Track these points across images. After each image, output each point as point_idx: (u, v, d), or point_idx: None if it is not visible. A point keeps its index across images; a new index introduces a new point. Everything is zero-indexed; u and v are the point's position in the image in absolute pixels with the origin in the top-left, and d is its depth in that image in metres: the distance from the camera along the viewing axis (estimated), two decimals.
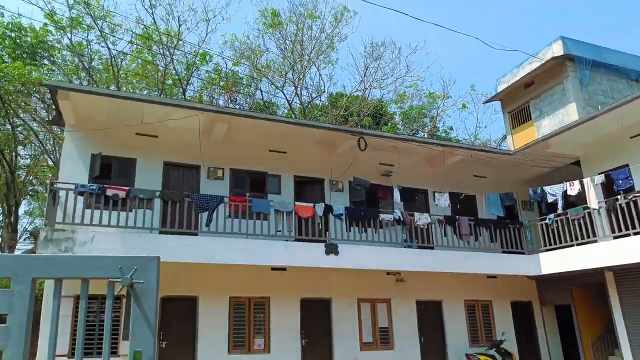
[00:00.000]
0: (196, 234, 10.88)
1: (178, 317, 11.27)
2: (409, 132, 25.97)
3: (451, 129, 28.94)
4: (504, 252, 13.65)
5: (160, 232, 10.60)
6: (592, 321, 13.95)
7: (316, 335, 12.28)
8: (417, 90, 25.93)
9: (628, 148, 12.55)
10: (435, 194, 13.21)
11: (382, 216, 12.28)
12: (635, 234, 10.83)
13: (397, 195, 12.62)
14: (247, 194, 11.63)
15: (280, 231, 11.37)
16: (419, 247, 12.88)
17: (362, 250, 11.84)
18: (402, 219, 12.39)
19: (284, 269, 12.14)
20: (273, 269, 12.05)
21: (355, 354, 12.41)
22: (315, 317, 12.45)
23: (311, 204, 11.87)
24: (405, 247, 12.55)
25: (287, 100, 24.90)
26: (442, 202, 13.00)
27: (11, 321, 1.81)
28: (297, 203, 11.85)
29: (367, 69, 24.97)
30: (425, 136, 25.57)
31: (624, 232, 11.01)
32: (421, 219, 12.52)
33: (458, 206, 13.45)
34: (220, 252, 10.44)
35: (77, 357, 1.92)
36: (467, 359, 12.56)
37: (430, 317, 13.69)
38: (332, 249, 11.45)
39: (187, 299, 11.46)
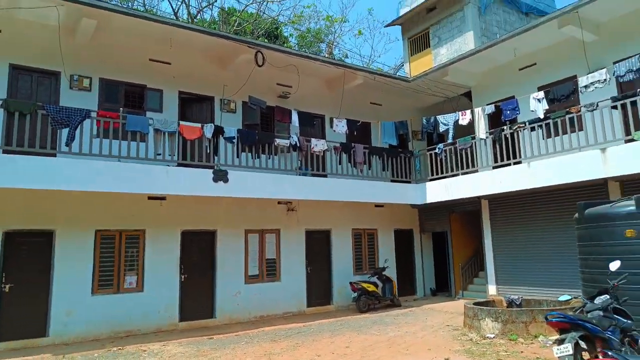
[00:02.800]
0: (54, 155, 8.97)
1: (29, 253, 9.47)
2: None
3: (346, 56, 28.39)
4: (392, 181, 13.82)
5: (4, 152, 8.52)
6: (463, 247, 15.08)
7: (197, 270, 11.32)
8: (314, 11, 24.63)
9: (516, 80, 13.06)
10: (334, 119, 12.60)
11: (277, 141, 11.39)
12: (515, 163, 11.46)
13: (295, 118, 11.74)
14: (121, 109, 9.81)
15: (160, 154, 9.92)
16: (313, 175, 12.38)
17: (254, 177, 10.93)
18: (298, 145, 11.63)
19: (163, 197, 10.83)
20: (150, 197, 10.67)
21: (239, 287, 11.81)
22: (198, 250, 11.46)
23: (198, 125, 10.50)
24: (299, 175, 11.93)
25: (173, 9, 22.14)
26: (339, 129, 12.47)
27: None
28: (182, 123, 10.39)
29: None
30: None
31: (505, 161, 11.58)
32: (318, 145, 11.89)
33: (355, 133, 13.08)
34: (85, 177, 8.74)
35: None
36: (351, 286, 12.73)
37: (318, 246, 13.54)
38: (221, 176, 10.37)
39: (41, 233, 9.64)
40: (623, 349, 5.04)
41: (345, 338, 9.11)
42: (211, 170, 10.30)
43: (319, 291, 13.25)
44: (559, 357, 4.77)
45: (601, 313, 5.25)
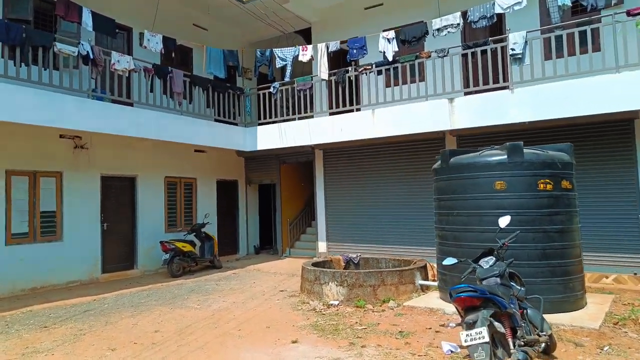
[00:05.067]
0: None
1: None
2: None
3: None
4: (216, 120, 11.56)
5: None
6: (293, 202, 13.83)
7: None
8: None
9: (362, 20, 11.83)
10: (146, 32, 9.53)
11: (59, 46, 7.95)
12: (357, 110, 10.37)
13: (88, 19, 8.34)
14: None
15: None
16: (113, 102, 9.29)
17: (20, 94, 7.45)
18: (92, 57, 8.38)
19: None
20: None
21: None
22: None
23: None
24: (92, 99, 8.71)
25: None
26: (152, 45, 9.48)
27: None
28: None
29: None
30: None
31: (347, 107, 10.38)
32: (122, 61, 8.80)
33: (173, 55, 10.27)
34: None
35: None
36: (162, 246, 10.33)
37: (119, 197, 10.58)
38: None
39: None
40: (523, 324, 4.06)
41: (154, 316, 6.80)
42: None
43: (119, 253, 10.42)
44: (469, 346, 3.50)
45: (498, 280, 4.20)
